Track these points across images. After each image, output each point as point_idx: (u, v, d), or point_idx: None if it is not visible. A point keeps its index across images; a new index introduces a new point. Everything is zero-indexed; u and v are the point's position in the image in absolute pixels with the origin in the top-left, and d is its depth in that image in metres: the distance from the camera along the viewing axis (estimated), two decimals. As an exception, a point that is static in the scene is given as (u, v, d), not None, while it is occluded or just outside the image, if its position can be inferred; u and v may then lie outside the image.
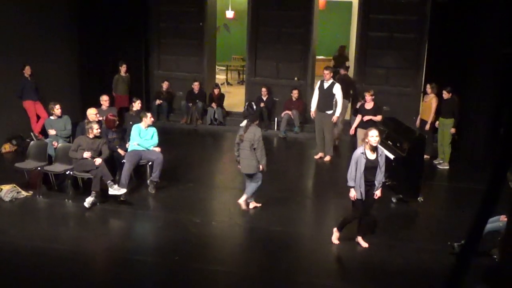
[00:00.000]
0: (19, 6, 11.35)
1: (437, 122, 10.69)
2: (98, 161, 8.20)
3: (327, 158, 10.82)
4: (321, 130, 10.77)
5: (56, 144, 9.28)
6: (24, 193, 8.55)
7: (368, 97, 9.96)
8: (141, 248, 7.15)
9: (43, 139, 10.35)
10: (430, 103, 10.79)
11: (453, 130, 10.53)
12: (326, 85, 10.49)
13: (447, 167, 10.64)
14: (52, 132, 9.57)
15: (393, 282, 6.22)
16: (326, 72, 10.48)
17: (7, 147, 11.13)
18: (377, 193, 6.86)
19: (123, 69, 13.16)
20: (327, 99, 10.44)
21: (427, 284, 6.14)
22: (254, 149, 7.71)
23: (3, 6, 10.93)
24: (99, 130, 8.56)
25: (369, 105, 9.94)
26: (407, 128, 9.45)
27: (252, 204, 8.19)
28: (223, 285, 6.22)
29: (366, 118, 9.77)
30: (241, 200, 8.07)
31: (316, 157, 10.96)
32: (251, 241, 7.49)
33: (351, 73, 13.73)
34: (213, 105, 13.63)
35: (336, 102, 10.43)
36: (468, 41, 11.13)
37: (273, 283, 6.22)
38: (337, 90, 10.40)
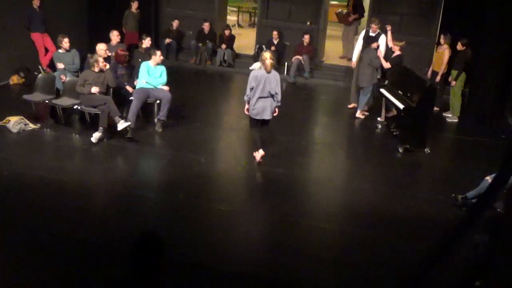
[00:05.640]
0: None
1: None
2: (94, 89, 8.26)
3: (358, 113, 10.36)
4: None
5: (64, 78, 9.23)
6: (31, 125, 8.59)
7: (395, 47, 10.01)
8: (145, 184, 7.22)
9: (51, 72, 10.29)
10: (442, 54, 10.60)
11: (453, 83, 10.40)
12: (372, 35, 10.33)
13: (456, 120, 10.57)
14: (60, 65, 9.51)
15: (391, 229, 6.27)
16: (374, 26, 10.26)
17: (15, 79, 11.12)
18: None
19: (134, 5, 12.92)
20: None
21: (425, 233, 6.19)
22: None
23: None
24: (104, 63, 8.50)
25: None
26: (418, 78, 9.31)
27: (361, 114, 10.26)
28: (225, 223, 6.29)
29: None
30: (358, 114, 10.23)
31: (350, 106, 10.88)
32: (255, 182, 7.55)
33: (364, 19, 13.46)
34: (223, 46, 13.46)
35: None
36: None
37: (274, 224, 6.29)
38: (382, 41, 10.28)
